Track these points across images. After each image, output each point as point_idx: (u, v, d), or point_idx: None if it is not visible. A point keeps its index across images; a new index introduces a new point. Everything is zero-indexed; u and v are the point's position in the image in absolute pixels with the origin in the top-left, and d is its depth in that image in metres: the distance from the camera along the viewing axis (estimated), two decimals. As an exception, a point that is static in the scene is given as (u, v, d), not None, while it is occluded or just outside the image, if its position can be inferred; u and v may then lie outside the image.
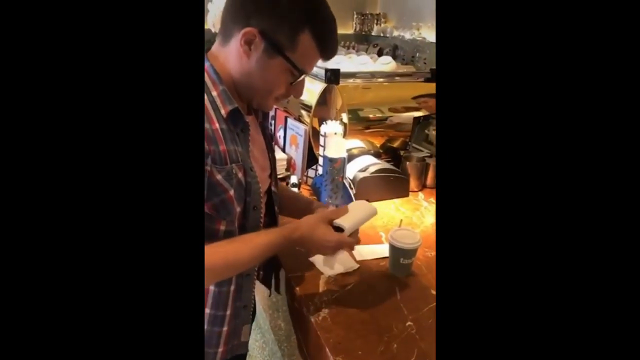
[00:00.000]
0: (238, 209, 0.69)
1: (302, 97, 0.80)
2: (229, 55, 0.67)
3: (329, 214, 0.76)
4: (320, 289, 0.86)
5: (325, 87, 1.24)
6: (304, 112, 1.36)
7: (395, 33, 3.97)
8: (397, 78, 1.40)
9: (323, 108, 1.27)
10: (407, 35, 3.82)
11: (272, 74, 0.67)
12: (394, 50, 2.85)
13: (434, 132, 2.50)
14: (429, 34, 3.70)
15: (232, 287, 0.74)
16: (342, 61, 1.38)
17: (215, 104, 0.66)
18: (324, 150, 1.18)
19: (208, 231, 0.67)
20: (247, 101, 0.74)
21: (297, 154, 1.37)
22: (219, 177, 0.65)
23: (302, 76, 0.69)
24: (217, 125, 0.65)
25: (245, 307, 0.78)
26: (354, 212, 0.78)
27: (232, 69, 0.67)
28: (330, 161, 1.13)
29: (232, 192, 0.67)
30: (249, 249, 0.68)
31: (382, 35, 3.80)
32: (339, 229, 0.75)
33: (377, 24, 3.11)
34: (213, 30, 1.66)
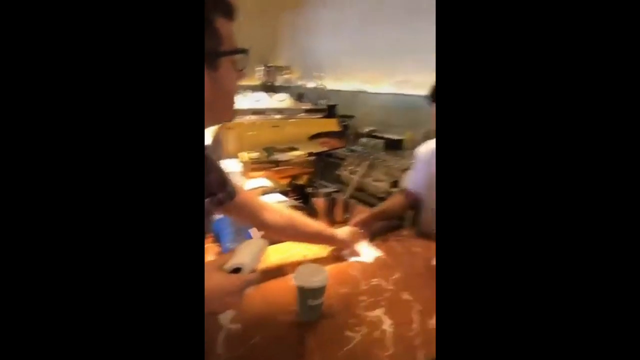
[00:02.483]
0: None
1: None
2: None
3: (215, 262, 0.65)
4: (219, 349, 0.73)
5: (219, 125, 1.16)
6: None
7: (299, 83, 4.14)
8: (303, 115, 1.38)
9: (217, 147, 1.19)
10: (311, 85, 4.00)
11: None
12: (299, 98, 2.92)
13: (344, 172, 2.52)
14: (330, 83, 3.92)
15: None
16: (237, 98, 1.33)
17: None
18: (221, 191, 1.08)
19: None
20: None
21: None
22: None
23: None
24: None
25: None
26: (244, 249, 0.68)
27: None
28: (228, 202, 1.03)
29: None
30: None
31: (286, 85, 3.91)
32: (234, 271, 0.64)
33: (281, 75, 3.20)
34: None
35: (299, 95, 2.92)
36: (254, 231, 1.08)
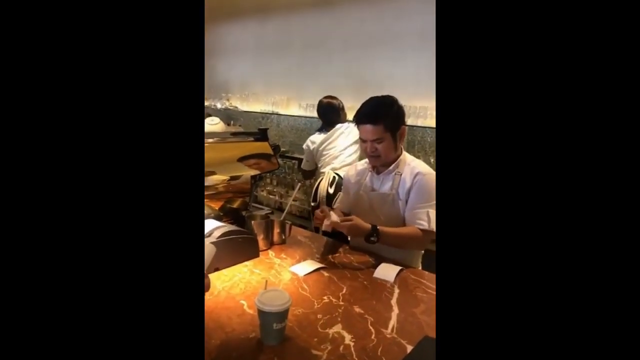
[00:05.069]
0: None
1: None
2: None
3: None
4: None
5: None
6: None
7: (207, 103, 4.02)
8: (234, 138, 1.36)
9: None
10: (219, 105, 3.92)
11: None
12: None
13: (261, 193, 2.50)
14: (240, 104, 3.89)
15: None
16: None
17: None
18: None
19: None
20: None
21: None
22: None
23: None
24: None
25: None
26: None
27: None
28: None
29: None
30: None
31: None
32: None
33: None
34: None
35: (207, 116, 2.86)
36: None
